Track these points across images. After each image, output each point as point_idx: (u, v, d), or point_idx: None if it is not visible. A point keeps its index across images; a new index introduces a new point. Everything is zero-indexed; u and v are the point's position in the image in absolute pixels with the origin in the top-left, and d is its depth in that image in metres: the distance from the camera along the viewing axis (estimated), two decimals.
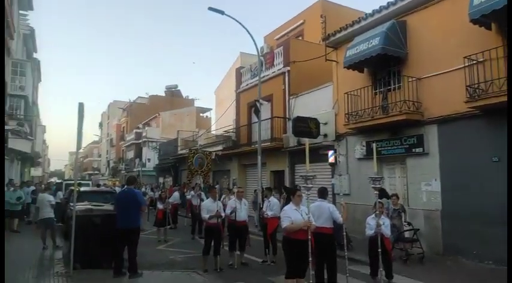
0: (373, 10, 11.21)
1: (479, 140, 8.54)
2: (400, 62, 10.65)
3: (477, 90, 8.20)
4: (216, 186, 10.66)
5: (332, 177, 12.80)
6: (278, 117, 15.75)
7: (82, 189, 11.71)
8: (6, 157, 16.04)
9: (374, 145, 6.74)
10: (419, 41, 10.19)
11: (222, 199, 10.02)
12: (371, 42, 10.38)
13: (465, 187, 8.74)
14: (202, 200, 10.72)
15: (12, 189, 13.51)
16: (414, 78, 10.02)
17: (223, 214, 8.10)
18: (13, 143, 16.20)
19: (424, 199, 9.75)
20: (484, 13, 7.64)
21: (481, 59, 8.19)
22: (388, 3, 10.71)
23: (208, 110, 45.76)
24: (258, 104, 14.11)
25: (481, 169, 8.43)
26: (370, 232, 6.41)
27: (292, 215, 5.47)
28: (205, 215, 7.79)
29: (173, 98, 50.57)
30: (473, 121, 8.68)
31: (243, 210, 8.47)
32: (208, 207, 7.89)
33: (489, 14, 7.56)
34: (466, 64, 8.43)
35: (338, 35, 12.69)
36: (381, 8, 10.92)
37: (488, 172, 8.26)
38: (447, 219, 9.12)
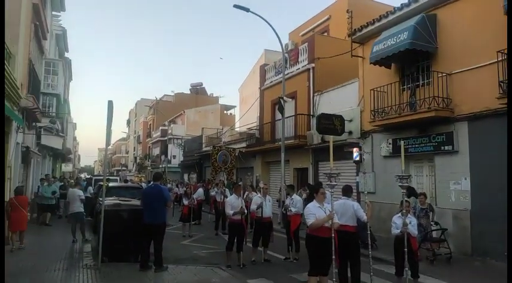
0: (402, 4, 10.89)
1: None
2: (429, 57, 10.35)
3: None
4: (240, 183, 10.71)
5: (357, 175, 12.61)
6: (302, 114, 15.63)
7: (110, 184, 12.09)
8: (38, 153, 16.70)
9: (402, 143, 6.58)
10: (450, 35, 9.85)
11: (244, 196, 10.06)
12: (399, 37, 10.11)
13: (496, 187, 8.38)
14: (226, 197, 10.80)
15: (46, 184, 14.01)
16: (444, 74, 9.71)
17: (246, 211, 8.15)
18: (45, 140, 16.83)
19: (452, 199, 9.46)
20: None
21: None
22: None
23: (232, 107, 46.18)
24: (281, 101, 14.04)
25: None
26: (396, 231, 6.27)
27: (316, 212, 5.45)
28: (229, 211, 7.84)
29: (198, 95, 51.29)
30: (505, 118, 8.31)
31: (267, 207, 8.51)
32: (233, 203, 7.94)
33: None
34: (499, 59, 8.08)
35: (365, 30, 12.43)
36: (410, 2, 10.60)
37: None
38: (476, 219, 8.81)
